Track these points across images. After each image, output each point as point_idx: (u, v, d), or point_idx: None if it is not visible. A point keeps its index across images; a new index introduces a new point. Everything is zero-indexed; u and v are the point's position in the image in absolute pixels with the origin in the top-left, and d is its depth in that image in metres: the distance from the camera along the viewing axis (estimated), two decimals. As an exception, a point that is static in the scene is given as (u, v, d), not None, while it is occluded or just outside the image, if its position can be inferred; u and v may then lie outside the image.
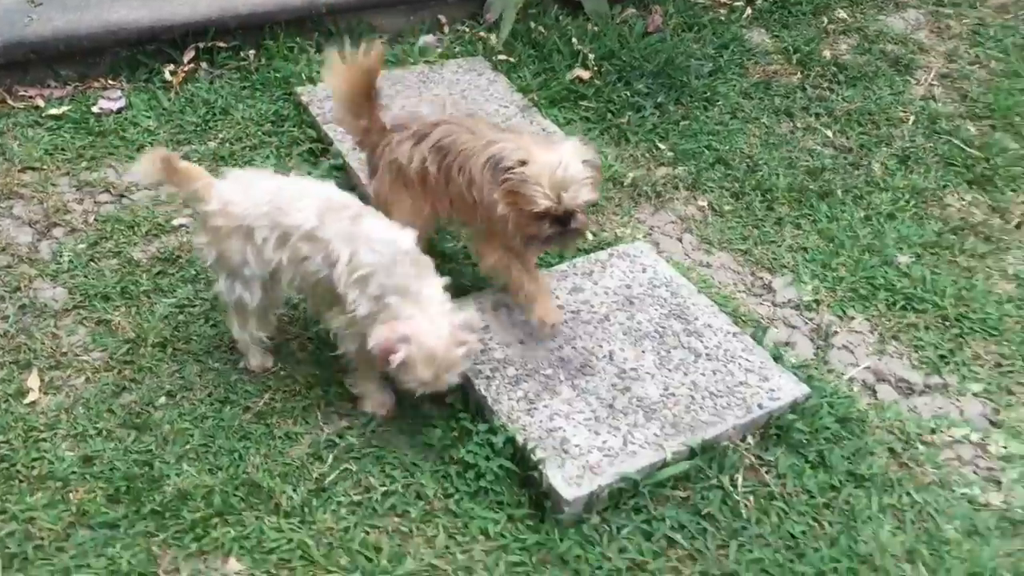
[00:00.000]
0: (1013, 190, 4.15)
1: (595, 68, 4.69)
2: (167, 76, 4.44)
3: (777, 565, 2.66)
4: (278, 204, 2.79)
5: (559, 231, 2.86)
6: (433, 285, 2.71)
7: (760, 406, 2.97)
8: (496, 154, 2.86)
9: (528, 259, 3.08)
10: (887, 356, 3.38)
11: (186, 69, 4.48)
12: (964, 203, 4.10)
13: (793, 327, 3.49)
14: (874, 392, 3.26)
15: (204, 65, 4.53)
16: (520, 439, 2.83)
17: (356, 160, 3.90)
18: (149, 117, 4.23)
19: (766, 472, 2.89)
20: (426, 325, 2.62)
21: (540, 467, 2.76)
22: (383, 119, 3.19)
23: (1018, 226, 3.97)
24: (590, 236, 3.66)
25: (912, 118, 4.59)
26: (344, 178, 3.90)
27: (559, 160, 2.78)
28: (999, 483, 2.96)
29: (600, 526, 2.74)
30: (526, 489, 2.80)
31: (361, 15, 4.84)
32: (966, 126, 4.55)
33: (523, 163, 2.80)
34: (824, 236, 3.86)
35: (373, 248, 2.69)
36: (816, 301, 3.58)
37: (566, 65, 4.68)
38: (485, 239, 3.08)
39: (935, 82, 4.88)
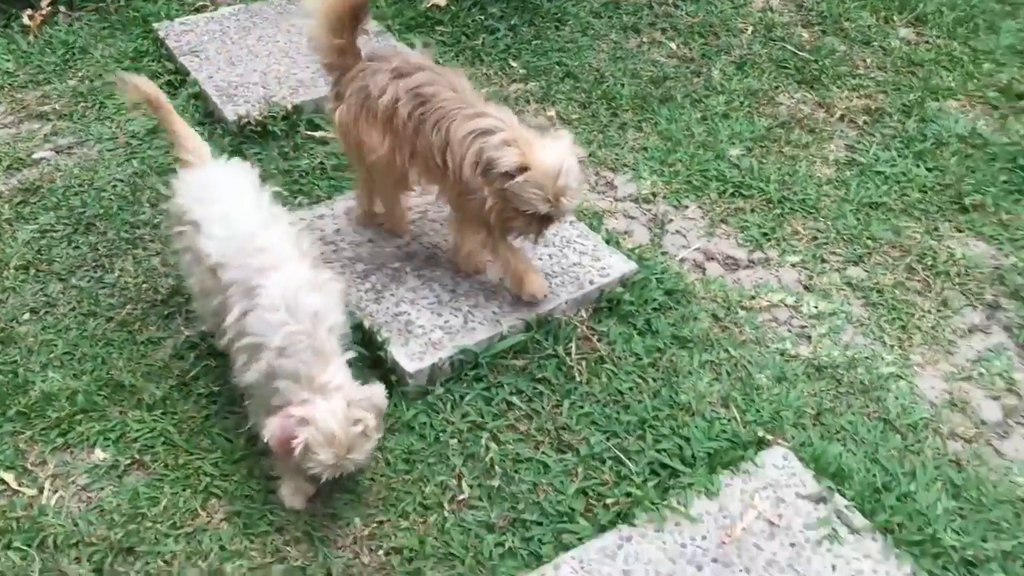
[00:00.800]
0: (838, 87, 4.47)
1: (451, -4, 4.87)
2: (25, 21, 4.49)
3: (605, 417, 2.92)
4: (201, 219, 2.63)
5: (546, 227, 2.91)
6: (333, 371, 2.45)
7: (591, 282, 3.23)
8: (487, 145, 2.80)
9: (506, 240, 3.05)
10: (716, 238, 3.67)
11: (44, 13, 4.53)
12: (793, 101, 4.40)
13: (632, 218, 3.75)
14: (703, 269, 3.55)
15: (63, 9, 4.58)
16: (367, 324, 3.04)
17: (213, 87, 4.03)
18: (8, 60, 4.29)
19: (597, 340, 3.15)
20: (323, 407, 2.39)
21: (385, 346, 2.97)
22: (359, 46, 3.06)
23: (841, 118, 4.29)
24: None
25: (751, 28, 4.88)
26: (202, 104, 4.03)
27: (560, 166, 2.76)
28: (809, 338, 3.27)
29: (444, 395, 2.97)
30: (376, 370, 3.01)
31: (220, -46, 4.92)
32: (799, 32, 4.85)
33: (523, 169, 2.76)
34: (663, 136, 4.13)
35: (268, 318, 2.45)
36: (653, 194, 3.85)
37: (422, -4, 4.85)
38: (461, 220, 3.07)
39: (774, -5, 5.18)
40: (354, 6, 2.94)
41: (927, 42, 4.80)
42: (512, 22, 4.75)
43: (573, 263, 3.29)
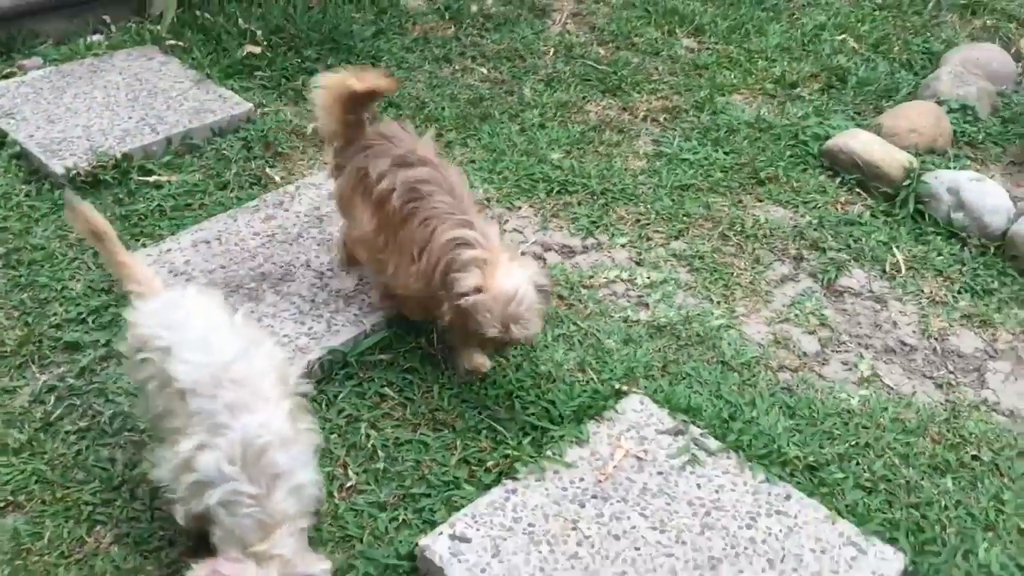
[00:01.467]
0: (637, 92, 4.89)
1: (265, 42, 5.00)
2: None
3: (474, 395, 3.10)
4: (173, 344, 2.42)
5: (499, 348, 2.97)
6: (275, 541, 2.25)
7: (443, 277, 3.42)
8: (457, 259, 2.85)
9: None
10: (550, 231, 3.95)
11: None
12: (600, 108, 4.79)
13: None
14: (544, 259, 3.81)
15: None
16: (232, 340, 3.10)
17: (35, 145, 4.00)
18: None
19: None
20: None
21: (254, 357, 3.05)
22: (365, 121, 3.12)
23: (644, 118, 4.70)
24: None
25: (552, 50, 5.27)
26: (25, 163, 3.98)
27: (514, 291, 2.78)
28: (647, 304, 3.58)
29: (318, 396, 3.06)
30: (247, 383, 3.08)
31: (21, 22, 4.88)
32: (596, 50, 5.28)
33: (478, 290, 2.80)
34: (487, 149, 4.40)
35: (222, 468, 2.27)
36: (487, 199, 4.10)
37: (236, 43, 4.95)
38: (416, 307, 3.12)
39: (568, 20, 5.61)
40: (359, 96, 3.01)
41: (707, 48, 5.32)
42: (328, 62, 4.93)
43: (423, 263, 3.48)
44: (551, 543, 2.58)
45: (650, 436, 2.90)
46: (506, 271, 2.83)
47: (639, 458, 2.83)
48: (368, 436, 2.96)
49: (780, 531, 2.64)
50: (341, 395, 3.08)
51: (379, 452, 2.92)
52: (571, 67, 5.13)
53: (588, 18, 5.65)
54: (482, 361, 3.08)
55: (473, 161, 4.33)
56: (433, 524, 2.67)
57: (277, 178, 4.07)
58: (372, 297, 3.31)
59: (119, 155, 3.96)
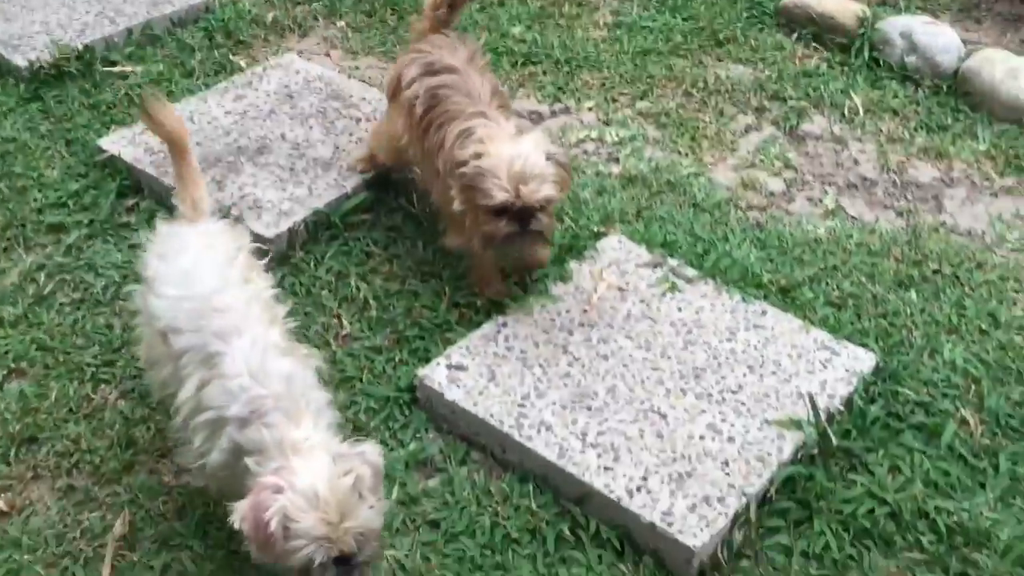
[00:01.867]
0: (594, -32, 4.93)
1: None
2: None
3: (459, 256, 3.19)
4: (155, 276, 2.26)
5: (518, 231, 2.67)
6: (308, 428, 2.02)
7: (418, 141, 3.49)
8: (459, 168, 2.69)
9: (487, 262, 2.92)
10: (518, 99, 4.00)
11: None
12: (558, -16, 4.82)
13: (438, 96, 4.03)
14: (514, 126, 3.88)
15: None
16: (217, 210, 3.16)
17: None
18: None
19: (434, 188, 3.42)
20: (300, 465, 1.94)
21: (240, 220, 3.10)
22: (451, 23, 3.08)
23: (602, -9, 4.76)
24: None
25: (505, -67, 5.26)
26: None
27: (518, 152, 2.63)
28: (617, 159, 3.67)
29: (305, 257, 3.15)
30: (234, 249, 3.14)
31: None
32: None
33: (478, 156, 2.65)
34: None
35: (229, 385, 2.06)
36: (453, 74, 4.14)
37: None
38: (448, 221, 2.95)
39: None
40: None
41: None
42: (282, -44, 4.90)
43: (397, 129, 3.53)
44: (543, 366, 2.70)
45: (630, 270, 3.02)
46: (510, 140, 2.71)
47: (621, 289, 2.95)
48: (359, 288, 3.05)
49: (758, 342, 2.78)
50: (328, 254, 3.16)
51: (371, 302, 3.01)
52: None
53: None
54: (502, 288, 2.95)
55: (436, 40, 4.35)
56: (429, 361, 2.78)
57: (242, 63, 4.08)
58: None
59: (80, 47, 3.94)
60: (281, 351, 2.15)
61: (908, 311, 3.00)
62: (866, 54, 4.10)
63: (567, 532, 2.40)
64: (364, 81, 3.97)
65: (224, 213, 3.07)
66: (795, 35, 4.31)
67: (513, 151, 2.63)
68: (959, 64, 3.92)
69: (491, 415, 2.56)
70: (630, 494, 2.37)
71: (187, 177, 2.47)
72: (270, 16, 4.44)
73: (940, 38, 3.96)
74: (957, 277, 3.14)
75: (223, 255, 2.25)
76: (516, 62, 4.21)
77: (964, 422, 2.64)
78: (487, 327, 2.83)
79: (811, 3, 4.25)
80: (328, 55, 4.28)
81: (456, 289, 3.03)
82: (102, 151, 3.44)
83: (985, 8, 4.26)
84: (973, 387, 2.74)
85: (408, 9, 4.55)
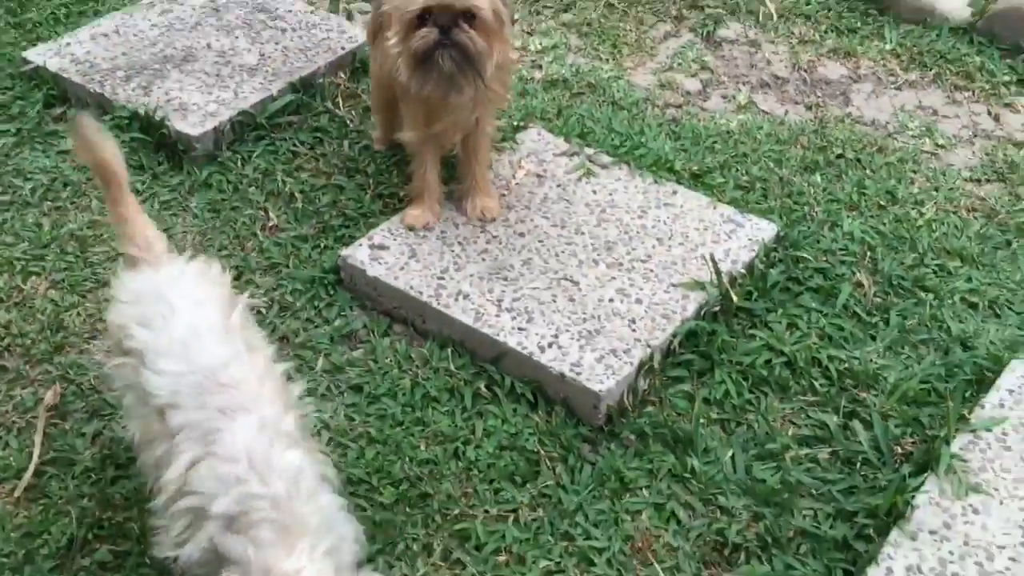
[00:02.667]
0: None
1: None
2: None
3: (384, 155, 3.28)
4: (147, 349, 1.88)
5: (439, 39, 2.51)
6: (301, 555, 1.60)
7: (343, 47, 3.56)
8: None
9: (429, 154, 2.82)
10: (444, 14, 4.09)
11: None
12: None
13: (366, 12, 4.10)
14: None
15: None
16: (142, 111, 3.22)
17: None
18: None
19: (361, 93, 3.50)
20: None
21: (166, 122, 3.17)
22: None
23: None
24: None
25: None
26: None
27: None
28: (540, 66, 3.77)
29: (232, 156, 3.22)
30: (162, 151, 3.21)
31: None
32: None
33: None
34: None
35: (221, 471, 1.72)
36: None
37: None
38: (403, 107, 2.83)
39: None
40: None
41: None
42: None
43: (322, 38, 3.61)
44: (462, 244, 2.82)
45: (548, 159, 3.13)
46: None
47: (539, 175, 3.07)
48: (284, 183, 3.13)
49: (668, 218, 2.91)
50: (255, 153, 3.24)
51: (296, 196, 3.10)
52: None
53: None
54: (432, 212, 2.88)
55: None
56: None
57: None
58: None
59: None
60: (291, 443, 1.79)
61: (812, 191, 3.15)
62: (783, -39, 4.24)
63: (484, 389, 2.53)
64: (290, -3, 4.04)
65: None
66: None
67: None
68: (868, -30, 4.08)
69: (411, 287, 2.67)
70: (542, 350, 2.50)
71: (129, 216, 2.09)
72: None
73: (851, -56, 4.11)
74: (859, 161, 3.30)
75: (218, 315, 1.92)
76: None
77: (859, 284, 2.80)
78: (405, 209, 2.93)
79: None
80: (256, -23, 4.33)
81: (379, 183, 3.13)
82: (27, 62, 3.47)
83: (895, -80, 4.40)
84: (868, 254, 2.90)
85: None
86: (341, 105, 3.43)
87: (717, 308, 2.65)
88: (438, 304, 2.63)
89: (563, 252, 2.79)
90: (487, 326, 2.56)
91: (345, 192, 3.12)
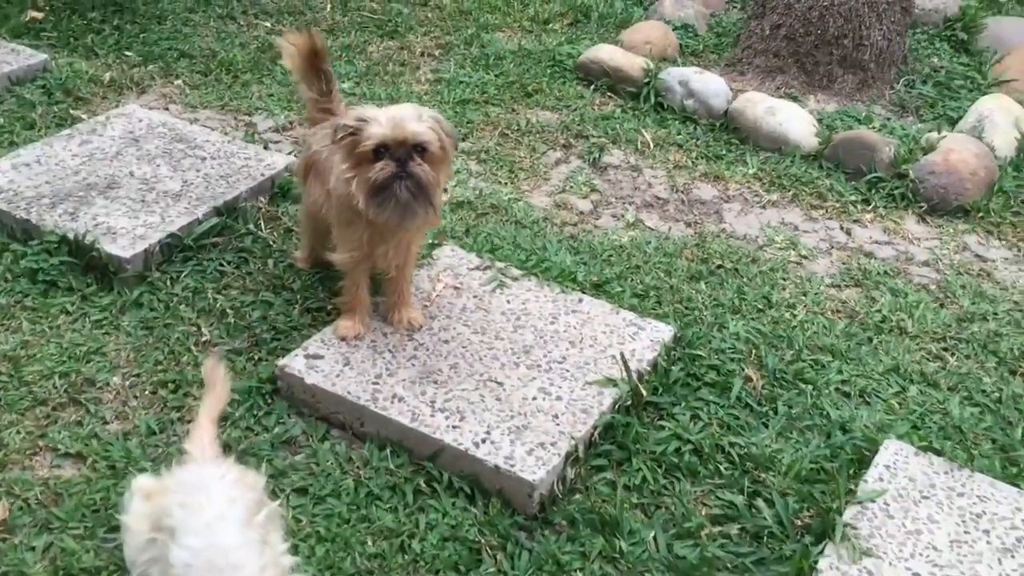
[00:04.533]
0: (413, 35, 5.43)
1: (47, 7, 5.16)
2: None
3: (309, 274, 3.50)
4: (179, 526, 2.08)
5: (395, 171, 2.73)
6: None
7: (262, 174, 3.79)
8: (337, 121, 2.85)
9: (362, 272, 3.03)
10: (351, 143, 4.40)
11: None
12: (381, 48, 5.29)
13: (277, 141, 4.36)
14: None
15: None
16: (71, 236, 3.34)
17: None
18: None
19: (281, 215, 3.72)
20: None
21: (96, 245, 3.30)
22: (336, 104, 3.20)
23: (421, 54, 5.25)
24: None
25: (329, 5, 5.71)
26: None
27: (396, 108, 2.81)
28: (446, 190, 4.09)
29: (161, 277, 3.37)
30: (91, 274, 3.32)
31: None
32: (370, 3, 5.77)
33: (360, 120, 2.77)
34: (283, 84, 4.78)
35: None
36: (290, 123, 4.50)
37: (18, 10, 5.07)
38: (340, 231, 3.01)
39: (340, -19, 6.08)
40: (311, 64, 3.14)
41: (469, -2, 5.95)
42: (115, 23, 5.14)
43: (242, 165, 3.83)
44: (392, 351, 3.03)
45: (463, 272, 3.41)
46: (386, 108, 2.84)
47: (456, 288, 3.34)
48: (215, 300, 3.29)
49: (577, 323, 3.22)
50: (183, 273, 3.39)
51: (228, 312, 3.26)
52: (349, 17, 5.59)
53: (358, -21, 6.14)
54: (362, 323, 3.08)
55: (272, 95, 4.71)
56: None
57: (84, 116, 4.27)
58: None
59: (-83, 102, 4.03)
60: None
61: (700, 297, 3.53)
62: (652, 99, 4.76)
63: (423, 485, 2.71)
64: (206, 129, 4.25)
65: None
66: (592, 87, 4.93)
67: (391, 108, 2.82)
68: (727, 105, 4.63)
69: (348, 392, 2.86)
70: (476, 445, 2.72)
71: (204, 425, 2.39)
72: (107, 76, 4.67)
73: (711, 84, 4.67)
74: (737, 270, 3.72)
75: (244, 511, 2.11)
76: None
77: (748, 378, 3.15)
78: (336, 322, 3.13)
79: (604, 59, 4.90)
80: (167, 109, 4.54)
81: (306, 298, 3.33)
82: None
83: (746, 63, 5.03)
84: (753, 351, 3.27)
85: (243, 70, 4.89)
86: (263, 227, 3.64)
87: (629, 403, 2.94)
88: (375, 407, 2.82)
89: (486, 356, 3.04)
90: (423, 425, 2.77)
91: (274, 307, 3.30)
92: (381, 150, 2.76)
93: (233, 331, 3.20)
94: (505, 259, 3.54)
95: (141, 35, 5.10)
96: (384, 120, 2.75)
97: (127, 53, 4.93)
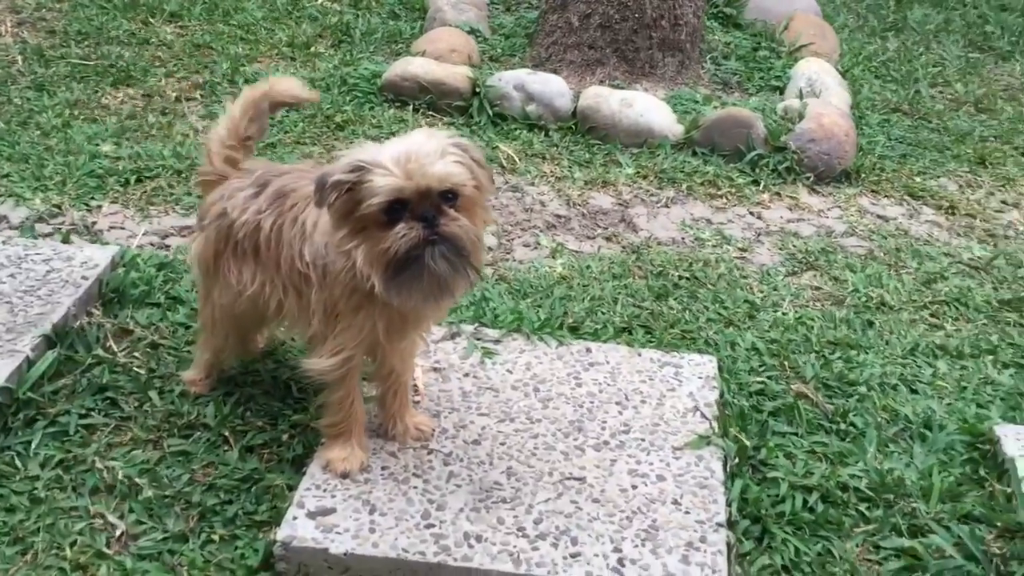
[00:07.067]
0: (156, 79, 4.34)
1: None
2: None
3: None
4: None
5: (424, 234, 1.88)
6: None
7: (83, 277, 2.66)
8: (322, 174, 1.91)
9: (357, 378, 2.16)
10: (156, 218, 3.32)
11: None
12: (119, 98, 4.15)
13: (45, 234, 3.16)
14: (167, 245, 3.17)
15: None
16: None
17: None
18: None
19: (135, 326, 2.63)
20: None
21: None
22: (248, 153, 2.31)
23: (178, 99, 4.19)
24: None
25: (20, 57, 4.41)
26: None
27: (403, 142, 1.93)
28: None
29: (6, 452, 2.18)
30: None
31: None
32: (75, 51, 4.55)
33: (357, 168, 1.88)
34: (18, 160, 3.53)
35: None
36: (56, 206, 3.31)
37: None
38: (340, 323, 2.06)
39: (18, 29, 4.75)
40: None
41: (195, 31, 4.88)
42: None
43: (47, 269, 2.66)
44: (419, 475, 2.17)
45: (430, 349, 2.59)
46: (390, 143, 1.99)
47: (435, 369, 2.52)
48: (106, 471, 2.18)
49: (605, 378, 2.55)
50: (35, 443, 2.22)
51: (134, 481, 2.17)
52: (55, 70, 4.35)
53: (42, 23, 4.85)
54: (422, 420, 2.31)
55: (8, 175, 3.45)
56: (270, 523, 2.07)
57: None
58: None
59: None
60: None
61: (685, 316, 3.00)
62: (489, 111, 4.15)
63: (565, 649, 1.91)
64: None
65: None
66: (411, 107, 4.20)
67: (399, 144, 1.94)
68: (574, 105, 4.15)
69: (404, 551, 1.97)
70: (619, 572, 1.97)
71: None
72: None
73: (552, 84, 4.16)
74: (696, 278, 3.24)
75: None
76: (127, 180, 3.51)
77: (801, 395, 2.67)
78: (320, 457, 2.19)
79: (419, 73, 4.20)
80: None
81: (236, 434, 2.33)
82: None
83: (556, 59, 4.57)
84: (784, 363, 2.81)
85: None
86: (116, 349, 2.53)
87: (736, 460, 2.34)
88: (454, 560, 1.96)
89: (538, 448, 2.28)
90: (536, 566, 1.96)
91: (196, 458, 2.26)
92: (396, 207, 1.90)
93: (158, 509, 2.12)
94: (454, 322, 2.76)
95: None
96: (393, 164, 1.88)
97: None
